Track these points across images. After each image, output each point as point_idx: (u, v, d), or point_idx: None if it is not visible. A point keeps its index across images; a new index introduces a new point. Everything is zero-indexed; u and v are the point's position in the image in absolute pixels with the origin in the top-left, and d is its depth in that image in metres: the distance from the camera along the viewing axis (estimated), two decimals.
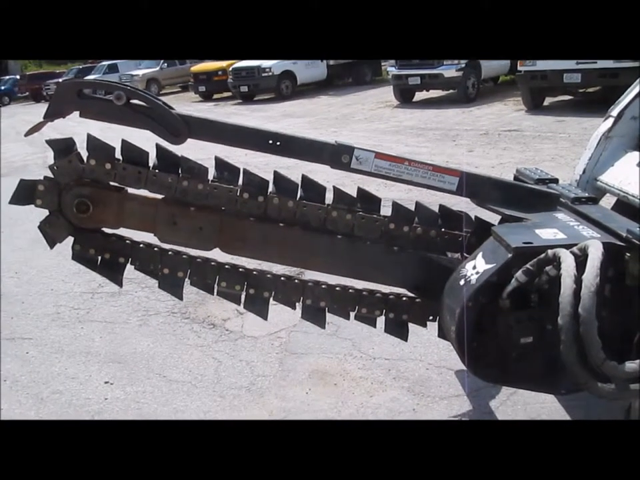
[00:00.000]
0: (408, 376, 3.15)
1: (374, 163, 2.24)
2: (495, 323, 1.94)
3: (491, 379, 2.17)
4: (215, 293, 2.33)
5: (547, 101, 12.09)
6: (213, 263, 2.30)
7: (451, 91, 14.28)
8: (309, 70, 18.93)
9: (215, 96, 21.61)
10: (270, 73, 18.08)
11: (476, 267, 2.01)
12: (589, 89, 11.81)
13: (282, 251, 2.33)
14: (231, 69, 18.74)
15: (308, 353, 3.47)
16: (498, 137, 9.63)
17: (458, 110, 12.85)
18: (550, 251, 1.80)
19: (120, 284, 2.32)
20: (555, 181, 2.47)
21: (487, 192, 2.29)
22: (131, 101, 2.13)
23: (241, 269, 2.32)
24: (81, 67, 31.96)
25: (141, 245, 2.28)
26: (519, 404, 2.80)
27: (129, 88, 2.16)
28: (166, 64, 25.81)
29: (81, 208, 2.18)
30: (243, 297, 2.33)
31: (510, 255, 1.90)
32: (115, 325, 4.07)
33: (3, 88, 35.97)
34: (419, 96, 15.22)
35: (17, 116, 23.49)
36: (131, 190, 2.25)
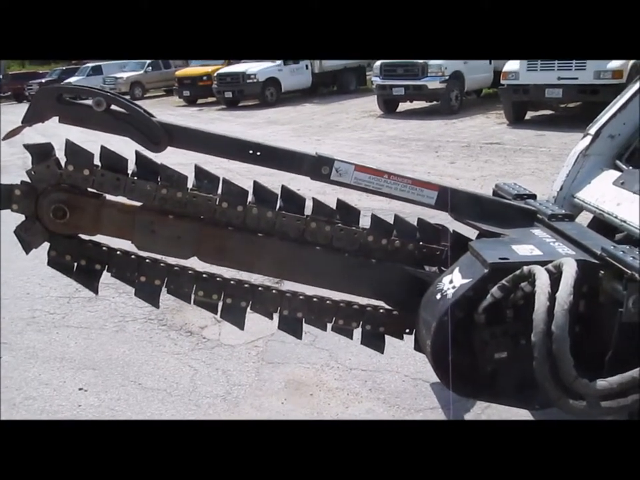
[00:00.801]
0: (384, 387, 3.16)
1: (354, 175, 2.25)
2: (470, 338, 1.95)
3: (466, 393, 2.17)
4: (192, 302, 2.32)
5: (529, 114, 12.20)
6: (190, 272, 2.29)
7: (435, 102, 14.37)
8: (293, 77, 18.96)
9: (199, 101, 21.56)
10: (255, 80, 18.10)
11: (452, 282, 2.02)
12: (569, 104, 11.98)
13: (260, 261, 2.32)
14: (215, 74, 18.74)
15: (285, 363, 3.46)
16: (480, 149, 9.71)
17: (441, 122, 12.95)
18: (525, 268, 1.81)
19: (96, 291, 2.30)
20: (533, 196, 2.48)
21: (465, 206, 2.30)
22: (112, 108, 2.12)
23: (218, 278, 2.31)
24: (64, 67, 31.77)
25: (118, 252, 2.26)
26: (494, 417, 2.81)
27: (109, 94, 2.15)
28: (150, 67, 25.72)
29: (58, 214, 2.15)
30: (219, 306, 2.32)
31: (486, 271, 1.90)
32: (91, 331, 4.03)
33: None
34: (403, 106, 15.31)
35: None
36: (109, 197, 2.24)
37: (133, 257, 2.26)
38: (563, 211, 2.34)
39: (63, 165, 2.12)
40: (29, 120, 2.14)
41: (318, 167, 2.22)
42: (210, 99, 20.84)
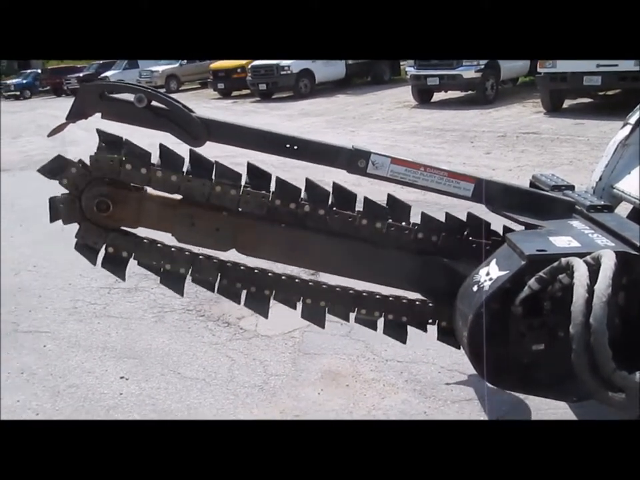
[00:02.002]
0: (420, 379, 3.17)
1: (390, 168, 2.26)
2: (507, 330, 1.95)
3: (502, 385, 2.18)
4: (216, 291, 2.35)
5: (566, 103, 11.99)
6: (214, 260, 2.32)
7: (470, 92, 14.21)
8: (327, 68, 18.90)
9: (234, 93, 21.65)
10: (289, 71, 18.10)
11: (489, 274, 2.02)
12: (608, 91, 11.74)
13: (302, 255, 2.35)
14: (250, 66, 18.78)
15: (321, 354, 3.49)
16: (516, 139, 9.59)
17: (476, 111, 12.80)
18: (563, 260, 1.80)
19: (123, 278, 2.34)
20: (571, 187, 2.47)
21: (502, 198, 2.30)
22: (152, 104, 2.16)
23: (242, 267, 2.34)
24: (101, 62, 32.14)
25: (145, 241, 2.30)
26: (531, 409, 2.80)
27: (150, 90, 2.20)
28: (185, 60, 25.90)
29: (101, 206, 2.21)
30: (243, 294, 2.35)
31: (523, 262, 1.91)
32: (131, 321, 4.12)
33: (24, 82, 36.33)
34: (437, 96, 15.19)
35: (37, 110, 23.74)
36: (149, 190, 2.28)
37: (159, 245, 2.30)
38: (602, 202, 2.32)
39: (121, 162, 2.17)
40: (73, 117, 2.20)
41: (354, 160, 2.24)
42: (244, 91, 20.91)
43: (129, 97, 2.16)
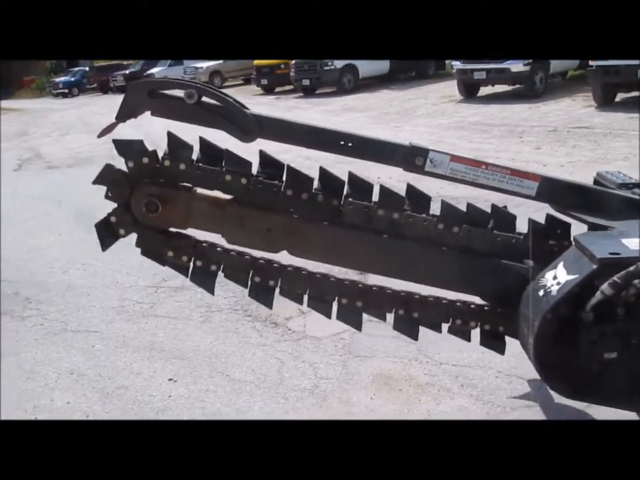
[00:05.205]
0: (476, 384, 3.05)
1: (449, 166, 2.17)
2: (576, 336, 1.85)
3: (570, 394, 2.08)
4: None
5: (619, 96, 11.64)
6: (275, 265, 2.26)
7: (517, 85, 13.91)
8: (371, 63, 18.70)
9: (277, 89, 21.70)
10: (332, 67, 18.03)
11: (557, 277, 1.92)
12: None
13: (352, 255, 2.27)
14: (293, 62, 18.78)
15: (372, 356, 3.40)
16: (567, 134, 9.33)
17: (524, 105, 12.52)
18: None
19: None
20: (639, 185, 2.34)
21: (568, 197, 2.19)
22: (202, 99, 2.10)
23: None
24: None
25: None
26: (595, 417, 2.67)
27: (200, 86, 2.13)
28: None
29: (151, 207, 2.16)
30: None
31: (595, 266, 1.80)
32: (178, 321, 4.09)
33: (72, 79, 37.16)
34: (484, 91, 14.89)
35: (85, 107, 24.18)
36: (199, 190, 2.23)
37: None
38: None
39: (160, 158, 2.13)
40: (123, 116, 2.15)
41: (412, 157, 2.15)
42: (287, 87, 20.94)
43: (179, 93, 2.11)
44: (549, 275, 1.96)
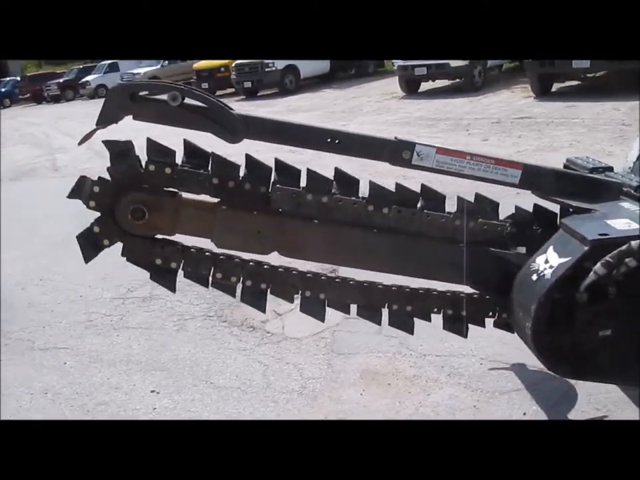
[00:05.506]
0: (462, 372, 3.09)
1: (435, 159, 2.19)
2: (571, 317, 1.89)
3: (568, 373, 2.15)
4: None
5: (555, 86, 11.97)
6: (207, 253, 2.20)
7: (457, 80, 14.18)
8: (312, 63, 18.75)
9: (218, 92, 21.44)
10: (273, 68, 17.97)
11: (548, 261, 1.96)
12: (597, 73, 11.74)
13: (344, 253, 2.26)
14: (233, 65, 18.64)
15: (355, 353, 3.40)
16: (511, 124, 9.54)
17: (465, 99, 12.76)
18: (634, 242, 1.76)
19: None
20: (610, 169, 2.42)
21: (551, 184, 2.23)
22: (186, 101, 2.05)
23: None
24: (81, 66, 31.81)
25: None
26: (582, 395, 2.73)
27: (183, 87, 2.09)
28: (167, 61, 25.63)
29: (137, 215, 2.10)
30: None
31: (586, 248, 1.84)
32: (152, 331, 3.99)
33: (3, 90, 35.66)
34: (425, 86, 15.11)
35: (19, 118, 23.41)
36: (185, 194, 2.18)
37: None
38: None
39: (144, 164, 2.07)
40: (103, 122, 2.07)
41: (399, 152, 2.15)
42: (229, 90, 20.75)
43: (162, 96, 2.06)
44: (539, 260, 2.00)
